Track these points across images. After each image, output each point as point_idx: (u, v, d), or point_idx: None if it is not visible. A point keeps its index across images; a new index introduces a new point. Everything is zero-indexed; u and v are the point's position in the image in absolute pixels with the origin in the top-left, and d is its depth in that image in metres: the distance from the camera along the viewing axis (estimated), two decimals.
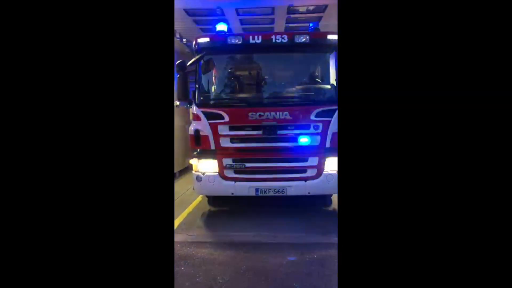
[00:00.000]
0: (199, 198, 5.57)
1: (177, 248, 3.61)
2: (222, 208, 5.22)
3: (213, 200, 5.28)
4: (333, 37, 4.37)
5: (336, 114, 4.27)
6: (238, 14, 7.60)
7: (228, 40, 4.30)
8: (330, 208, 5.10)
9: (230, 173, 4.43)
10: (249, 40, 4.26)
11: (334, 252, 3.62)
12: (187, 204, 5.35)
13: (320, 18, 7.71)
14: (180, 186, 6.25)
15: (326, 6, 7.16)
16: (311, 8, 7.40)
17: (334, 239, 3.88)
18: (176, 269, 3.13)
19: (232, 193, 4.44)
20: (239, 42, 4.28)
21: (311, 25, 4.65)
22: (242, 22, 8.21)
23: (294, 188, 4.35)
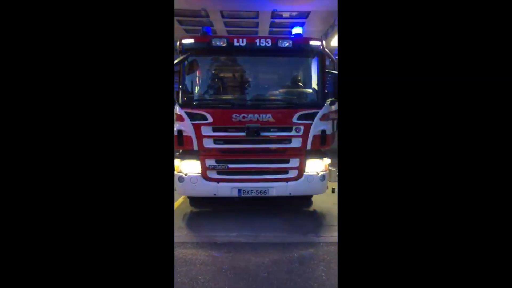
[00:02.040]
0: (181, 199, 5.53)
1: None
2: (204, 209, 5.21)
3: (195, 201, 5.26)
4: (315, 43, 4.52)
5: (317, 117, 4.41)
6: (223, 17, 7.66)
7: (213, 42, 4.33)
8: (310, 209, 5.24)
9: (212, 174, 4.45)
10: (233, 43, 4.32)
11: (313, 251, 3.74)
12: None
13: (302, 24, 7.92)
14: None
15: (308, 12, 7.38)
16: (294, 14, 7.61)
17: (314, 239, 4.03)
18: None
19: (215, 194, 4.46)
20: (224, 45, 4.32)
21: (293, 33, 4.70)
22: (226, 25, 8.28)
23: (276, 189, 4.44)
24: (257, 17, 7.68)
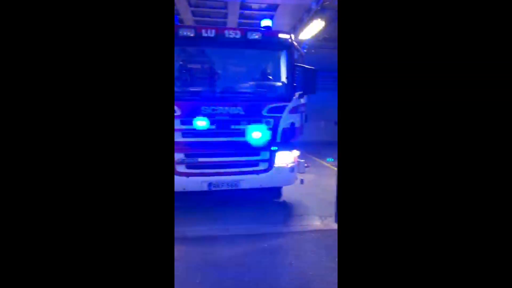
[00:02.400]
0: None
1: None
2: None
3: None
4: (284, 36, 4.56)
5: (286, 110, 4.49)
6: (190, 5, 7.41)
7: (180, 31, 4.19)
8: (280, 200, 5.36)
9: (182, 168, 4.36)
10: (202, 33, 4.22)
11: (283, 241, 3.85)
12: None
13: (271, 16, 7.94)
14: None
15: (277, 5, 7.40)
16: (263, 6, 7.58)
17: (283, 229, 4.15)
18: None
19: (184, 188, 4.38)
20: (192, 35, 4.20)
21: (262, 26, 4.70)
22: (194, 14, 8.03)
23: (247, 181, 4.48)
24: (225, 7, 7.54)
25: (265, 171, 4.56)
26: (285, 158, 4.63)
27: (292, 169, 4.69)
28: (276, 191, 5.37)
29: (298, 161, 4.85)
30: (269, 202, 5.25)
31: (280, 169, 4.60)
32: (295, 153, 4.76)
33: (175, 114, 4.21)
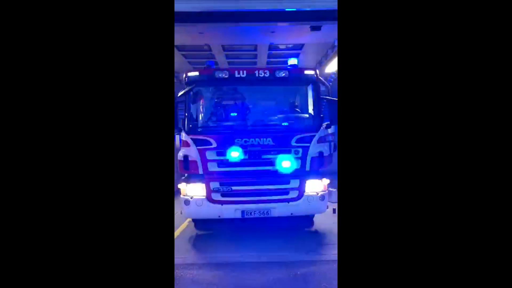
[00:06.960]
0: (186, 222, 5.67)
1: None
2: (208, 232, 5.34)
3: (199, 223, 5.41)
4: (309, 72, 4.94)
5: (314, 140, 4.70)
6: (224, 50, 8.25)
7: (216, 74, 4.74)
8: (312, 229, 5.35)
9: (217, 196, 4.65)
10: (235, 75, 4.73)
11: (315, 269, 3.85)
12: (174, 229, 5.44)
13: (298, 54, 8.50)
14: None
15: (303, 45, 7.97)
16: (290, 46, 8.20)
17: (316, 257, 4.17)
18: None
19: (219, 216, 4.63)
20: (226, 76, 4.73)
21: (289, 64, 5.05)
22: (227, 57, 8.87)
23: (278, 209, 4.62)
24: (255, 49, 8.28)
25: (296, 199, 4.68)
26: (315, 187, 4.74)
27: (322, 198, 4.76)
28: (308, 220, 5.39)
29: (329, 190, 4.91)
30: (301, 231, 5.27)
31: (310, 197, 4.69)
32: (325, 181, 4.85)
33: (211, 146, 4.62)
